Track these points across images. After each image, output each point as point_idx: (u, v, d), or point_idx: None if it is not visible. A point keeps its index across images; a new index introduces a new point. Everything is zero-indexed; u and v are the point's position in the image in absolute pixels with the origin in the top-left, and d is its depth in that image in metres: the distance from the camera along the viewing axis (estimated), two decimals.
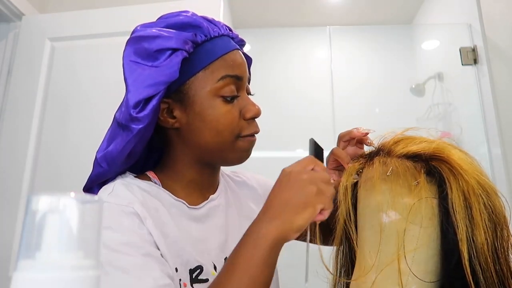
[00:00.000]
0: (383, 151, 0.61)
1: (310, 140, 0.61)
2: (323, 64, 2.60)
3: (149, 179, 0.65)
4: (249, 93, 0.68)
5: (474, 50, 1.85)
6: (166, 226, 0.59)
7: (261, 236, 0.50)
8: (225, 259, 0.63)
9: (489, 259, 0.50)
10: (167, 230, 0.59)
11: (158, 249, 0.56)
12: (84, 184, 0.67)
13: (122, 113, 0.61)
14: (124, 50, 0.63)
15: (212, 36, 0.63)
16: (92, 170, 0.65)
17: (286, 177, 0.54)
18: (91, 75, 1.62)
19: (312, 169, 0.54)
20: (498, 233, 0.52)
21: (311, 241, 0.64)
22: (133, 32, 0.64)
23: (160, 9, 1.65)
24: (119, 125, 0.62)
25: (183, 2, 1.61)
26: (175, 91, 0.62)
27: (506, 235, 0.53)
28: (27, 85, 1.66)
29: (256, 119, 0.66)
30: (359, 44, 2.70)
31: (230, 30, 0.68)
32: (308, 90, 2.52)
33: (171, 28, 0.62)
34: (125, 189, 0.59)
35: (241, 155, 0.65)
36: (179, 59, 0.59)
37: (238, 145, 0.64)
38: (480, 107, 1.79)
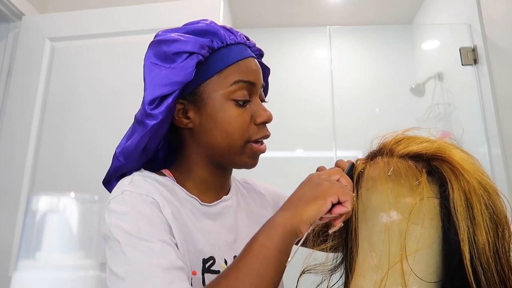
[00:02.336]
0: (384, 151, 0.61)
1: (351, 163, 0.63)
2: (323, 64, 2.60)
3: (164, 175, 0.69)
4: (262, 100, 0.72)
5: (474, 50, 1.85)
6: (181, 216, 0.62)
7: (274, 226, 0.53)
8: (234, 257, 0.65)
9: (490, 260, 0.50)
10: (182, 219, 0.62)
11: (174, 237, 0.59)
12: (103, 178, 0.72)
13: (140, 111, 0.66)
14: (146, 52, 0.68)
15: (228, 43, 0.67)
16: (111, 164, 0.69)
17: (307, 179, 0.58)
18: (91, 75, 1.62)
19: (337, 180, 0.57)
20: (500, 233, 0.52)
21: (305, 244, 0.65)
22: (155, 37, 0.69)
23: (159, 9, 1.66)
24: (137, 122, 0.67)
25: (183, 2, 1.61)
26: (190, 93, 0.66)
27: (508, 235, 0.53)
28: (27, 85, 1.66)
29: (267, 137, 0.70)
30: (359, 44, 2.70)
31: (247, 39, 0.72)
32: (308, 90, 2.52)
33: (190, 34, 0.66)
34: (143, 180, 0.63)
35: (247, 161, 0.68)
36: (194, 62, 0.63)
37: (247, 149, 0.67)
38: (480, 107, 1.79)
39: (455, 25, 2.04)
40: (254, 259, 0.52)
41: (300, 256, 0.61)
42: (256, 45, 0.74)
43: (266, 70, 0.78)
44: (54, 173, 1.56)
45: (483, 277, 0.49)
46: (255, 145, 0.67)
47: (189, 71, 0.63)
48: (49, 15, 1.83)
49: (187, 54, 0.64)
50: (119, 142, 0.69)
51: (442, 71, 2.19)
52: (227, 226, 0.70)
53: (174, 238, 0.59)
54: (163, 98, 0.63)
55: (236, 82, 0.65)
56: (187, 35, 0.66)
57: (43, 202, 0.26)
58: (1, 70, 1.75)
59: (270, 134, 0.70)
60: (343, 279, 0.67)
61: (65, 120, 1.61)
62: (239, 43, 0.69)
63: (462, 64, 1.87)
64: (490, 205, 0.52)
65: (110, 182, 0.71)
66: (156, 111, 0.63)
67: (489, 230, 0.51)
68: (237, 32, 0.71)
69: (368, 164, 0.62)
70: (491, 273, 0.49)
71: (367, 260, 0.58)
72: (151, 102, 0.63)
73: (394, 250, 0.55)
